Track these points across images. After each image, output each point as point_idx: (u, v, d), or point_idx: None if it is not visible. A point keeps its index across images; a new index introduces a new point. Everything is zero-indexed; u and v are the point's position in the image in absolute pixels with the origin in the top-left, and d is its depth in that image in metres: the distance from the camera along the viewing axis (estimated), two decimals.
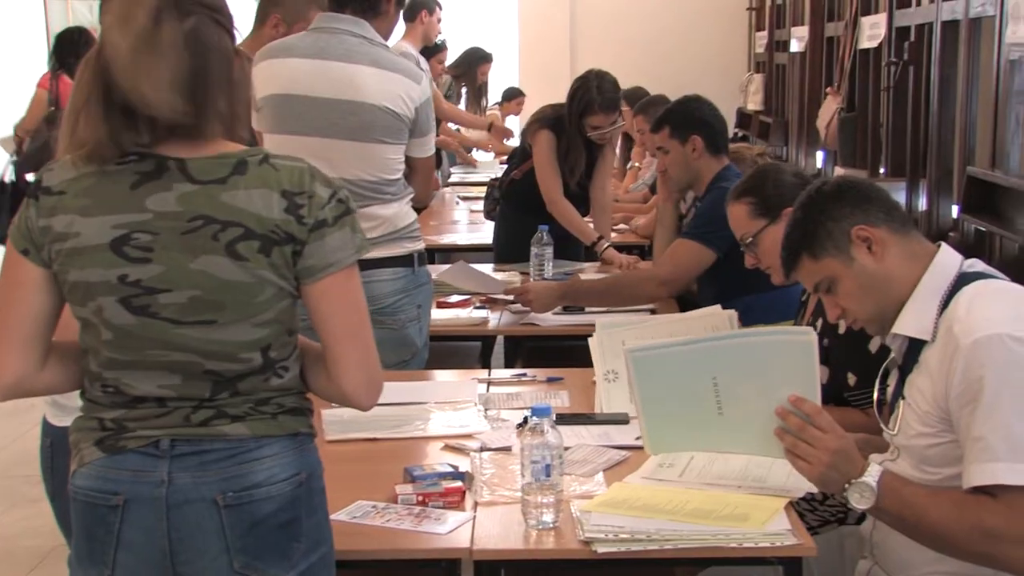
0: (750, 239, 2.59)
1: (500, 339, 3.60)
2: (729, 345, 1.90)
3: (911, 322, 1.80)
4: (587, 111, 3.86)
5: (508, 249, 4.07)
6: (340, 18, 2.82)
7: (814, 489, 1.82)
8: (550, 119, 3.98)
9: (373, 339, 1.62)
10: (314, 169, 1.57)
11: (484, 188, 4.90)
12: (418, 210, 3.04)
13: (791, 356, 1.82)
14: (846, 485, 1.69)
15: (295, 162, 1.56)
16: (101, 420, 1.57)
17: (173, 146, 1.51)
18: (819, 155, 6.53)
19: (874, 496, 1.68)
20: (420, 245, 2.94)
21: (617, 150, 6.33)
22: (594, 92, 3.84)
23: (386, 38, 2.91)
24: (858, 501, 1.69)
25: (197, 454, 1.54)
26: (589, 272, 3.85)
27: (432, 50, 5.77)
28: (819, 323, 2.34)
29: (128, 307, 1.51)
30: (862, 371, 2.21)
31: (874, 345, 2.17)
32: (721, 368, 1.89)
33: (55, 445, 2.17)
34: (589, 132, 3.88)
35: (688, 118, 3.29)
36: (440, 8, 5.39)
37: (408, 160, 2.90)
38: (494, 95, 7.76)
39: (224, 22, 1.53)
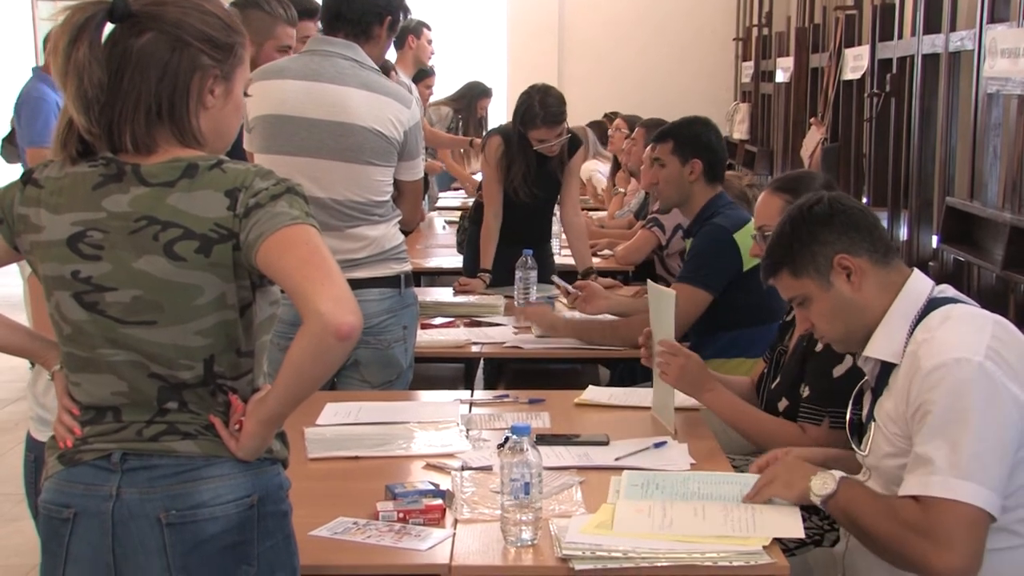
0: (769, 231, 2.57)
1: (483, 361, 3.63)
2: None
3: (882, 346, 1.84)
4: (530, 125, 3.94)
5: (476, 272, 4.09)
6: (333, 41, 2.87)
7: (800, 534, 1.84)
8: (503, 129, 4.14)
9: (337, 270, 1.47)
10: (264, 170, 1.54)
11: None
12: (405, 233, 3.07)
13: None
14: (812, 476, 1.84)
15: (248, 166, 1.55)
16: None
17: (130, 154, 1.54)
18: None
19: (835, 483, 1.81)
20: (407, 266, 2.97)
21: (605, 177, 6.41)
22: (536, 107, 3.92)
23: (378, 63, 2.95)
24: (820, 488, 1.82)
25: (147, 469, 1.54)
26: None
27: (419, 75, 5.81)
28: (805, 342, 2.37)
29: (81, 303, 1.54)
30: (818, 389, 2.25)
31: (839, 370, 2.20)
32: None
33: (39, 460, 2.17)
34: (535, 145, 3.96)
35: (695, 140, 3.27)
36: (429, 29, 5.41)
37: (396, 183, 2.94)
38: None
39: (186, 37, 1.53)
